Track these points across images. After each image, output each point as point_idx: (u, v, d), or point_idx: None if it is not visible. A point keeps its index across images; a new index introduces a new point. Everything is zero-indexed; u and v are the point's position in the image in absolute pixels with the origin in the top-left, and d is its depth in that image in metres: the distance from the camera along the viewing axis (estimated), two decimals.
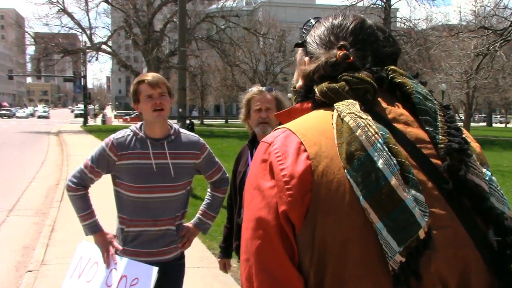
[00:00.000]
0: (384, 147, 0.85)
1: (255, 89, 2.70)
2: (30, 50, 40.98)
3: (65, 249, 5.40)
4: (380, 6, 31.60)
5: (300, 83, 1.07)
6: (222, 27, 29.37)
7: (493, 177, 0.95)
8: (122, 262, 2.38)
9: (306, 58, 1.08)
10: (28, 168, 13.32)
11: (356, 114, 0.88)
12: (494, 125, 63.67)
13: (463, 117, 37.45)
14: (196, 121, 42.39)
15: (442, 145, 0.91)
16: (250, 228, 0.91)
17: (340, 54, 0.97)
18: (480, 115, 76.52)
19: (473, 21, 23.63)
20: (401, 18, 32.38)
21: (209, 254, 5.49)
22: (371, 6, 30.88)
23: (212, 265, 5.15)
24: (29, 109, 79.25)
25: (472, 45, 20.43)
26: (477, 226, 0.89)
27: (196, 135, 2.61)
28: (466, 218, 0.89)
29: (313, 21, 1.15)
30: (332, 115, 0.93)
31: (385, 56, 1.04)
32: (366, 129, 0.86)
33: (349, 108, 0.90)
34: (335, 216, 0.85)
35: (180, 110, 9.65)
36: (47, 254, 5.47)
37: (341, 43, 1.00)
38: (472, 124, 47.49)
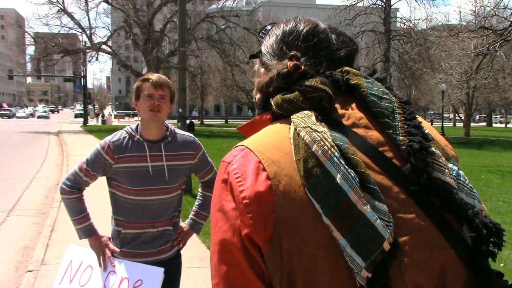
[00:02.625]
0: (341, 160, 0.83)
1: None
2: (30, 50, 41.03)
3: (65, 249, 5.38)
4: (380, 6, 31.60)
5: (258, 95, 1.04)
6: (222, 27, 29.36)
7: (460, 172, 0.93)
8: (121, 265, 2.35)
9: (262, 70, 1.06)
10: (28, 168, 13.32)
11: (311, 128, 0.86)
12: (494, 125, 63.65)
13: (463, 117, 37.45)
14: (196, 121, 42.40)
15: (403, 146, 0.89)
16: (217, 252, 0.89)
17: (291, 65, 0.95)
18: (480, 115, 76.53)
19: (473, 21, 23.66)
20: (401, 18, 32.40)
21: (209, 254, 5.49)
22: (371, 6, 30.88)
23: None
24: (29, 109, 79.18)
25: (472, 45, 20.42)
26: (450, 225, 0.88)
27: (192, 135, 2.59)
28: (437, 218, 0.87)
29: (269, 27, 1.12)
30: (290, 129, 0.91)
31: (340, 59, 1.02)
32: (322, 143, 0.84)
33: (304, 121, 0.88)
34: (301, 236, 0.83)
35: (180, 110, 9.64)
36: (47, 254, 5.47)
37: (291, 53, 0.98)
38: (472, 124, 47.49)
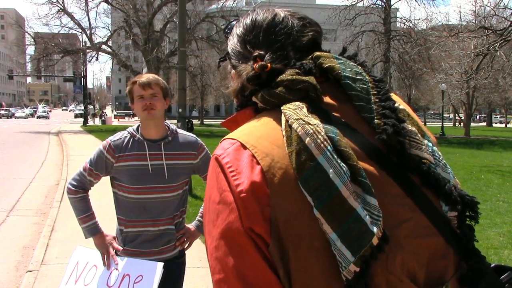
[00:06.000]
0: (334, 154, 0.83)
1: None
2: (30, 50, 41.02)
3: (65, 249, 5.41)
4: (380, 6, 31.59)
5: (235, 99, 1.04)
6: (222, 27, 29.36)
7: (434, 148, 0.94)
8: (123, 262, 2.39)
9: (232, 72, 1.04)
10: (28, 168, 13.33)
11: (304, 120, 0.86)
12: (494, 125, 63.66)
13: (463, 117, 37.44)
14: (196, 121, 42.42)
15: (379, 130, 0.89)
16: (223, 245, 0.86)
17: (257, 66, 0.94)
18: (480, 115, 76.55)
19: (473, 21, 23.67)
20: (401, 18, 32.36)
21: None
22: (371, 6, 30.88)
23: None
24: (28, 109, 79.05)
25: (472, 45, 20.43)
26: (436, 211, 0.89)
27: (194, 135, 2.62)
28: (425, 206, 0.88)
29: (233, 23, 1.10)
30: (280, 120, 0.90)
31: (306, 45, 1.00)
32: (315, 136, 0.84)
33: (296, 112, 0.88)
34: (297, 229, 0.83)
35: (180, 110, 9.65)
36: (47, 254, 5.47)
37: (255, 53, 0.97)
38: (472, 124, 47.50)
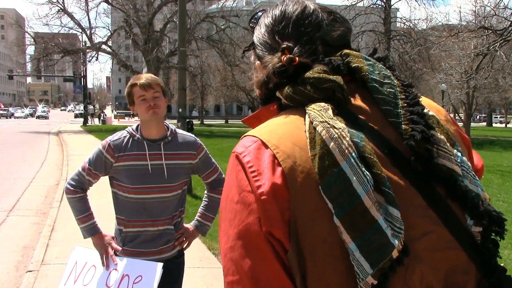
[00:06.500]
0: (358, 161, 0.80)
1: None
2: (30, 50, 40.99)
3: (65, 249, 5.40)
4: (380, 6, 31.60)
5: (258, 91, 1.02)
6: (222, 27, 29.36)
7: (463, 158, 0.90)
8: (122, 262, 2.39)
9: (257, 63, 1.02)
10: (28, 168, 13.32)
11: (329, 123, 0.83)
12: (494, 125, 63.68)
13: (463, 117, 37.45)
14: (196, 121, 42.40)
15: (407, 136, 0.86)
16: (240, 246, 0.84)
17: (285, 59, 0.91)
18: (480, 115, 76.53)
19: (473, 21, 23.63)
20: (401, 18, 32.38)
21: (209, 254, 5.49)
22: (371, 6, 30.88)
23: (212, 265, 5.15)
24: (28, 109, 78.88)
25: (472, 45, 20.41)
26: (459, 224, 0.86)
27: (193, 136, 2.62)
28: (448, 218, 0.85)
29: (260, 14, 1.07)
30: (304, 120, 0.87)
31: (335, 41, 0.97)
32: (340, 141, 0.81)
33: (321, 114, 0.85)
34: (317, 235, 0.81)
35: (180, 110, 9.65)
36: (47, 254, 5.47)
37: (283, 45, 0.94)
38: (472, 124, 47.48)
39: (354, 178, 0.79)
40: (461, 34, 18.34)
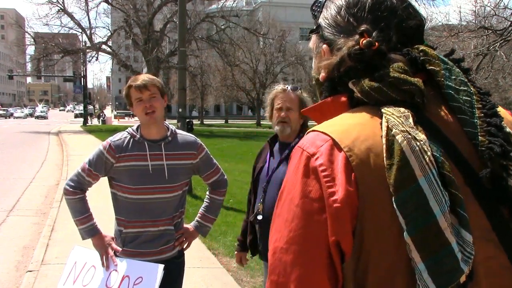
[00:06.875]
0: (437, 178, 0.76)
1: (279, 87, 2.69)
2: (30, 50, 40.95)
3: (65, 249, 5.40)
4: None
5: (322, 74, 0.95)
6: (222, 27, 29.35)
7: None
8: (122, 263, 2.38)
9: (324, 46, 0.95)
10: (28, 168, 13.32)
11: (410, 134, 0.78)
12: None
13: None
14: (196, 121, 42.41)
15: (483, 148, 0.81)
16: (292, 252, 0.81)
17: (364, 42, 0.86)
18: None
19: (473, 21, 23.62)
20: None
21: (209, 254, 5.49)
22: None
23: (212, 265, 5.15)
24: (27, 109, 78.80)
25: (472, 45, 20.42)
26: None
27: (193, 136, 2.62)
28: (509, 244, 0.82)
29: None
30: (381, 124, 0.82)
31: (410, 30, 0.92)
32: (421, 155, 0.76)
33: (401, 121, 0.79)
34: (382, 246, 0.78)
35: (180, 110, 9.65)
36: (47, 254, 5.47)
37: (362, 27, 0.88)
38: None
39: (432, 196, 0.75)
40: (461, 34, 18.32)
